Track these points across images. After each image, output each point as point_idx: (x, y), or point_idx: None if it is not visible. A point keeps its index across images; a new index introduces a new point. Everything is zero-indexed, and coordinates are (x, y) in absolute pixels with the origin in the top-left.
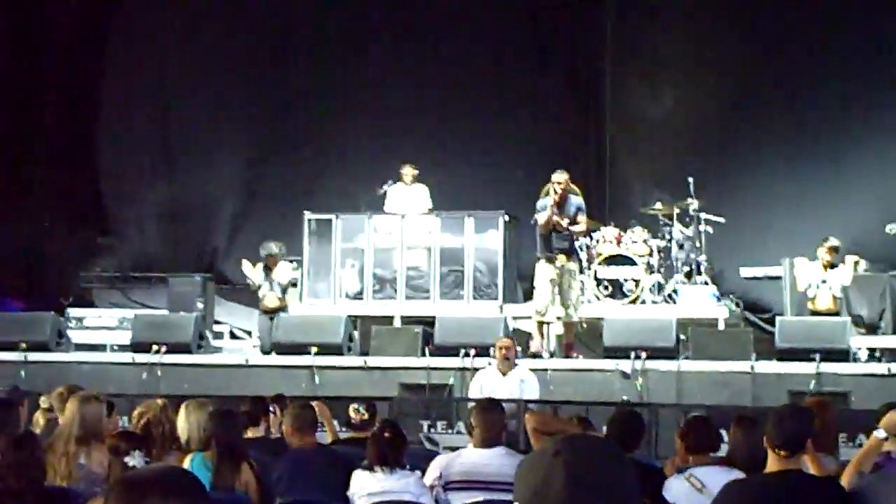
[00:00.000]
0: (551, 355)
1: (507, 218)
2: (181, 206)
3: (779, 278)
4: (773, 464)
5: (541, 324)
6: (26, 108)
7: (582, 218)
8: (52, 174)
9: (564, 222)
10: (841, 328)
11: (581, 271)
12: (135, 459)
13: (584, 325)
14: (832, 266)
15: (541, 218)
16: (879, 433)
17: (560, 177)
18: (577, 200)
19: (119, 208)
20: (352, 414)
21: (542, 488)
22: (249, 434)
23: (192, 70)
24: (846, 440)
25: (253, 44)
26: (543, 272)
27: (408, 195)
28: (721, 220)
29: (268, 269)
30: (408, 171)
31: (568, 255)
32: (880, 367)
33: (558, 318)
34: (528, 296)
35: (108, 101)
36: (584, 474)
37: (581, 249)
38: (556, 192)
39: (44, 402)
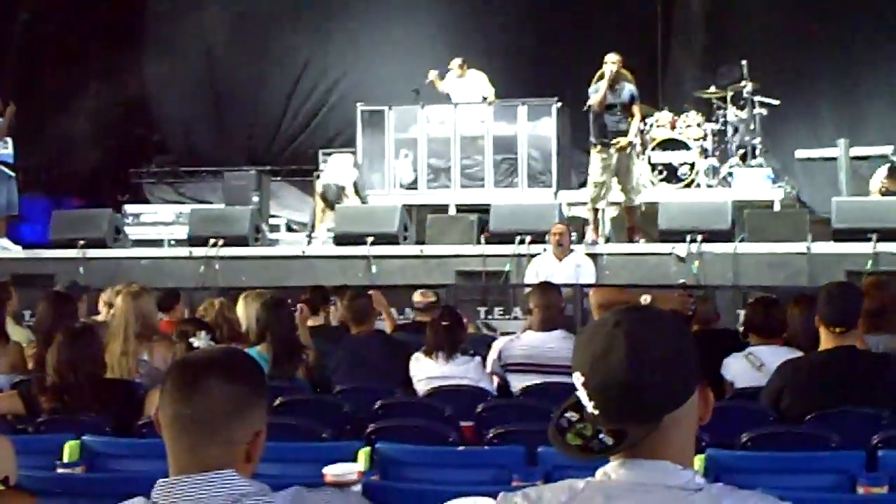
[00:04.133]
0: (607, 240)
1: (560, 105)
2: (228, 101)
3: (834, 159)
4: (826, 341)
5: (595, 210)
6: (78, 15)
7: (636, 107)
8: (104, 76)
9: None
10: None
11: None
12: (201, 340)
13: (642, 209)
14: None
15: (593, 98)
16: None
17: (613, 56)
18: (630, 87)
19: (168, 107)
20: (417, 297)
21: (602, 358)
22: (310, 323)
23: None
24: None
25: None
26: (597, 159)
27: (462, 85)
28: (775, 102)
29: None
30: (455, 62)
31: (624, 135)
32: None
33: (617, 203)
34: (583, 183)
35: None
36: (644, 344)
37: (636, 135)
38: (610, 72)
39: (105, 296)
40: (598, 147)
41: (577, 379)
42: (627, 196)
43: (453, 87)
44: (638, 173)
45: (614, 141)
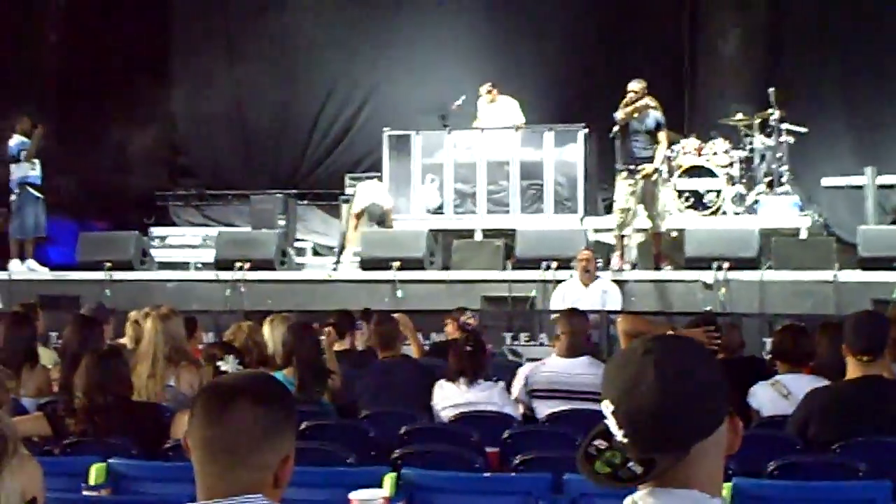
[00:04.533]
0: (633, 267)
1: (587, 131)
2: (255, 125)
3: (861, 188)
4: (853, 370)
5: (621, 237)
6: (107, 39)
7: (662, 134)
8: (129, 97)
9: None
10: None
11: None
12: (229, 364)
13: (672, 235)
14: None
15: (617, 115)
16: None
17: (636, 85)
18: (655, 114)
19: (194, 130)
20: (467, 319)
21: (632, 386)
22: (336, 347)
23: None
24: None
25: None
26: (623, 185)
27: (494, 110)
28: (803, 129)
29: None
30: (485, 88)
31: (649, 161)
32: None
33: (643, 230)
34: (609, 209)
35: (179, 27)
36: (674, 373)
37: (662, 161)
38: (633, 96)
39: (133, 317)
40: (624, 174)
41: (607, 407)
42: (653, 222)
43: (484, 113)
44: (664, 200)
45: (640, 168)
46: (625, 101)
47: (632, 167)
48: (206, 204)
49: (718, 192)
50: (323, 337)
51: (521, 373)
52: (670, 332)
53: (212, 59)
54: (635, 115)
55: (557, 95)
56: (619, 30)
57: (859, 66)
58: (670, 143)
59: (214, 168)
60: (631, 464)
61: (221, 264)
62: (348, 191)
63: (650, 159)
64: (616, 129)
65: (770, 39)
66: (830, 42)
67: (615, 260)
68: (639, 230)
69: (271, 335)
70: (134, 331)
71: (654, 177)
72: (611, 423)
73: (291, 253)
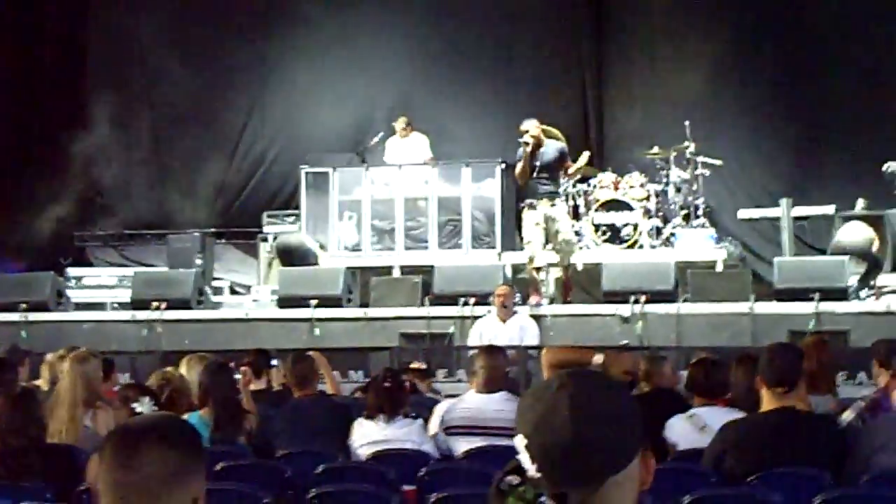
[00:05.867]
0: (551, 301)
1: (503, 166)
2: (172, 163)
3: (777, 219)
4: (767, 402)
5: (536, 270)
6: (22, 72)
7: (568, 161)
8: (46, 139)
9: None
10: (839, 267)
11: (577, 217)
12: (143, 406)
13: (578, 269)
14: None
15: (516, 170)
16: None
17: (527, 125)
18: (555, 146)
19: (112, 170)
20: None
21: (545, 420)
22: (252, 387)
23: (173, 29)
24: (846, 378)
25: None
26: (528, 219)
27: (405, 146)
28: (718, 162)
29: None
30: (400, 123)
31: (551, 199)
32: (879, 305)
33: (551, 265)
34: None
35: (97, 70)
36: (587, 407)
37: (579, 195)
38: (526, 144)
39: (49, 359)
40: (527, 209)
41: (520, 441)
42: (560, 256)
43: (396, 149)
44: (569, 231)
45: (541, 202)
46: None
47: (532, 201)
48: (123, 244)
49: (635, 225)
50: (239, 376)
51: (438, 410)
52: (597, 361)
53: (129, 101)
54: (536, 152)
55: (474, 130)
56: (533, 64)
57: (774, 98)
58: (587, 178)
59: (132, 208)
60: (543, 498)
61: (138, 304)
62: (266, 229)
63: (552, 194)
64: (516, 174)
65: (684, 72)
66: (743, 75)
67: (532, 295)
68: (552, 265)
69: (188, 376)
70: (50, 373)
71: (556, 209)
72: (524, 457)
73: (209, 292)
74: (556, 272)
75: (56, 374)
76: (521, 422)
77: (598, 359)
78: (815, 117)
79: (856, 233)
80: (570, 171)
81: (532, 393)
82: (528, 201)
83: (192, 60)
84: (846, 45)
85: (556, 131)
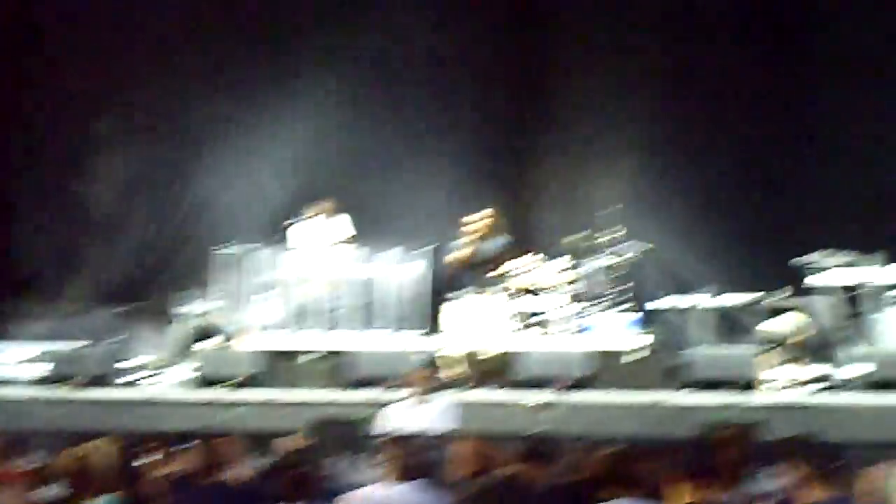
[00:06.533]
0: (472, 387)
1: (427, 248)
2: (90, 238)
3: (700, 307)
4: (680, 496)
5: (450, 358)
6: None
7: (502, 255)
8: None
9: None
10: (748, 359)
11: (499, 303)
12: (51, 491)
13: (495, 359)
14: None
15: (451, 257)
16: None
17: (479, 216)
18: (499, 240)
19: (32, 245)
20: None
21: None
22: (164, 470)
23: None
24: (757, 470)
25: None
26: (453, 308)
27: (324, 228)
28: (642, 248)
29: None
30: (325, 206)
31: (480, 291)
32: (792, 398)
33: (469, 354)
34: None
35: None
36: None
37: (500, 279)
38: (477, 234)
39: None
40: (455, 298)
41: None
42: (478, 343)
43: (312, 230)
44: (492, 323)
45: (468, 291)
46: (464, 227)
47: (459, 291)
48: (38, 319)
49: (555, 310)
50: (151, 459)
51: (352, 499)
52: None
53: (50, 169)
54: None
55: (398, 214)
56: (461, 145)
57: (701, 185)
58: (509, 260)
59: (51, 282)
60: None
61: (53, 381)
62: (181, 308)
63: (482, 287)
64: (450, 260)
65: (611, 157)
66: (674, 161)
67: (442, 381)
68: (469, 352)
69: (100, 457)
70: None
71: (483, 299)
72: None
73: (124, 369)
74: (474, 358)
75: None
76: None
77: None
78: (738, 206)
79: (784, 322)
80: (498, 266)
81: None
82: (454, 291)
83: (109, 128)
84: (780, 127)
85: (498, 225)
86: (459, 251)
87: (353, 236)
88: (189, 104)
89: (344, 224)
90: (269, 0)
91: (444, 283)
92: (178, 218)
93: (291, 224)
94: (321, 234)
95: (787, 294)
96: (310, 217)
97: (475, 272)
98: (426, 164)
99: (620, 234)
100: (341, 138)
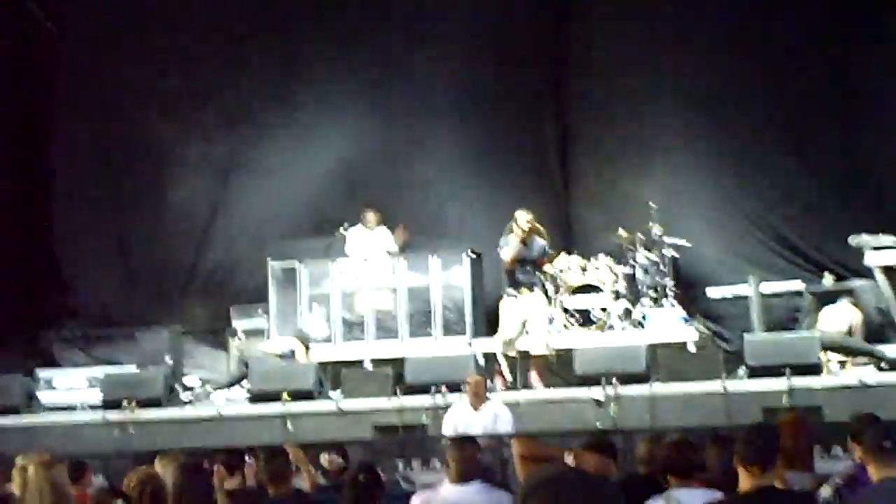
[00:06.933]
0: (524, 387)
1: (471, 254)
2: (138, 259)
3: (746, 297)
4: (745, 482)
5: (507, 357)
6: None
7: (546, 259)
8: (8, 235)
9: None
10: (809, 343)
11: (550, 303)
12: None
13: (554, 357)
14: None
15: (505, 254)
16: None
17: (524, 215)
18: (541, 242)
19: (77, 268)
20: (324, 464)
21: None
22: (226, 486)
23: (134, 124)
24: (821, 453)
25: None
26: (508, 306)
27: (371, 238)
28: (686, 243)
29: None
30: (371, 216)
31: (531, 289)
32: (851, 379)
33: (525, 352)
34: (495, 331)
35: (61, 171)
36: (602, 499)
37: (548, 280)
38: (522, 231)
39: (20, 463)
40: (508, 298)
41: None
42: (534, 343)
43: (362, 241)
44: (545, 322)
45: (521, 292)
46: (508, 226)
47: (514, 290)
48: (91, 344)
49: (604, 308)
50: (213, 475)
51: (414, 502)
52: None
53: (94, 200)
54: (526, 242)
55: (442, 220)
56: (499, 150)
57: (733, 178)
58: (552, 261)
59: (100, 305)
60: None
61: (109, 404)
62: (234, 323)
63: (532, 285)
64: (503, 257)
65: (644, 154)
66: (704, 155)
67: (499, 381)
68: (522, 352)
69: (162, 475)
70: (21, 477)
71: (536, 299)
72: None
73: (179, 389)
74: (530, 359)
75: (27, 479)
76: None
77: (570, 459)
78: (777, 195)
79: (834, 320)
80: (544, 266)
81: (545, 486)
82: (510, 290)
83: (153, 156)
84: (811, 118)
85: (542, 229)
86: (507, 251)
87: (404, 244)
88: (226, 117)
89: (388, 236)
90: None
91: (492, 286)
92: (229, 232)
93: (344, 235)
94: (369, 246)
95: (834, 279)
96: (355, 227)
97: (523, 271)
98: (463, 173)
99: (658, 231)
100: (378, 143)
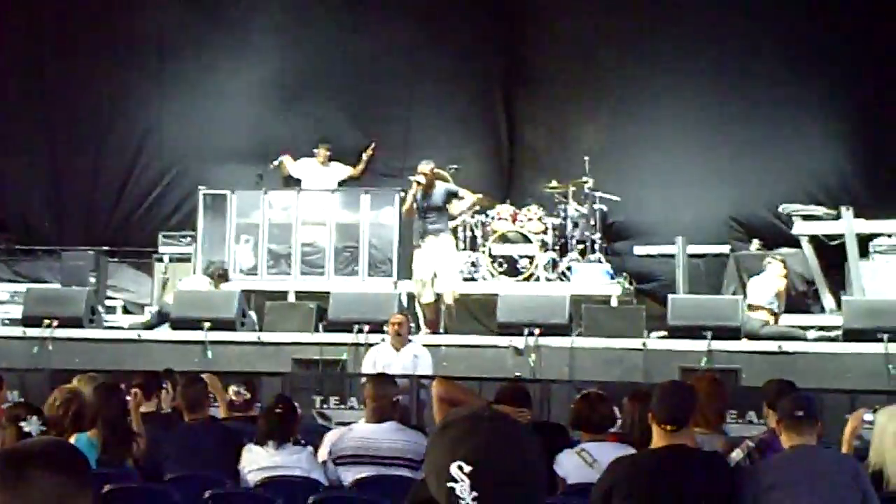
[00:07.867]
0: (445, 331)
1: (402, 195)
2: (66, 179)
3: (672, 256)
4: (658, 439)
5: (422, 305)
6: None
7: (456, 199)
8: None
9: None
10: (732, 306)
11: (474, 248)
12: (31, 425)
13: (454, 308)
14: None
15: (404, 206)
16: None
17: (425, 167)
18: (443, 188)
19: (4, 185)
20: (232, 396)
21: (495, 449)
22: (142, 409)
23: (70, 51)
24: (736, 417)
25: None
26: (416, 255)
27: (323, 174)
28: (616, 198)
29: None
30: (322, 152)
31: (436, 235)
32: (771, 345)
33: (434, 298)
34: None
35: None
36: (525, 442)
37: (476, 227)
38: (417, 183)
39: None
40: (418, 247)
41: (460, 468)
42: (439, 290)
43: (309, 173)
44: (451, 269)
45: (427, 239)
46: (414, 178)
47: (421, 238)
48: (15, 259)
49: (532, 258)
50: (129, 398)
51: (327, 439)
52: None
53: (26, 121)
54: (427, 192)
55: (375, 160)
56: (436, 92)
57: (673, 134)
58: (486, 209)
59: (26, 223)
60: None
61: (29, 321)
62: (161, 249)
63: (437, 231)
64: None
65: (582, 107)
66: (642, 111)
67: (423, 329)
68: (438, 294)
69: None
70: None
71: (441, 245)
72: (463, 485)
73: (101, 311)
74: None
75: None
76: (460, 449)
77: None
78: (712, 155)
79: (761, 290)
80: (456, 212)
81: (461, 423)
82: (416, 239)
83: (89, 80)
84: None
85: (444, 173)
86: (406, 200)
87: (341, 182)
88: (167, 43)
89: (343, 172)
90: None
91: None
92: (161, 158)
93: (272, 168)
94: (320, 180)
95: (760, 244)
96: (310, 160)
97: (426, 219)
98: (403, 117)
99: (591, 184)
100: (321, 79)
